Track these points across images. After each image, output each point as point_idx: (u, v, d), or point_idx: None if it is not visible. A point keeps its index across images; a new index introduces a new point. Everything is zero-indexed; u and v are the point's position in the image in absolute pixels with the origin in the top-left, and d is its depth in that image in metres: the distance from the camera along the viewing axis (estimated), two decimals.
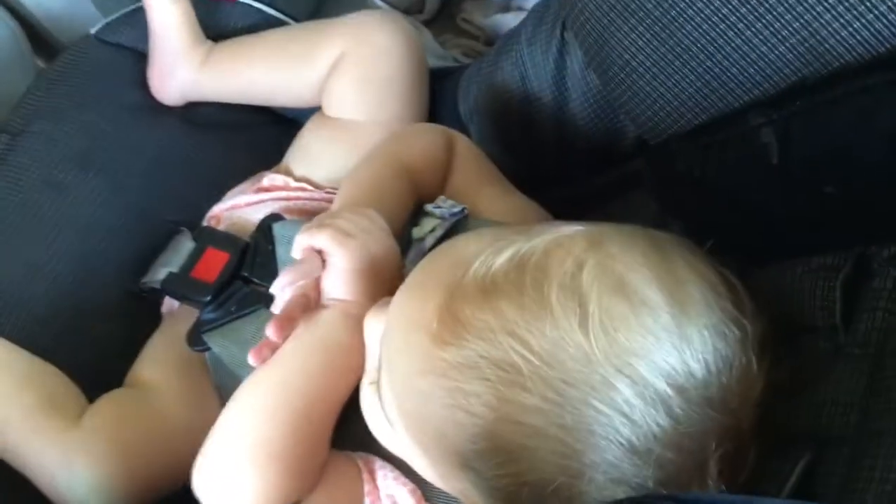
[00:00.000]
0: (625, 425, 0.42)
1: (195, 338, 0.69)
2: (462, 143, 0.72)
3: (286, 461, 0.51)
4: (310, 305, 0.56)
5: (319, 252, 0.56)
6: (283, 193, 0.78)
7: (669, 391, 0.42)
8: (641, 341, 0.42)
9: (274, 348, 0.55)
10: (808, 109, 0.46)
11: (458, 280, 0.45)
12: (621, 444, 0.42)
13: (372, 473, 0.54)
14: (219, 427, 0.54)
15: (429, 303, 0.46)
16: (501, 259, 0.45)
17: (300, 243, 0.57)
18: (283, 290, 0.56)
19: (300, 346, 0.55)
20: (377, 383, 0.50)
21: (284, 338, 0.55)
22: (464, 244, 0.49)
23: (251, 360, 0.55)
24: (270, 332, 0.54)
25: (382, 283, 0.56)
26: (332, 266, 0.56)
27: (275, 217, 0.74)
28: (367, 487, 0.54)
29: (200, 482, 0.53)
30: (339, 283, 0.55)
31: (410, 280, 0.50)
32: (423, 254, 0.62)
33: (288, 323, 0.55)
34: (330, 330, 0.55)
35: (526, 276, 0.44)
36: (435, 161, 0.69)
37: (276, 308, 0.57)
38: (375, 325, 0.52)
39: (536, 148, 0.73)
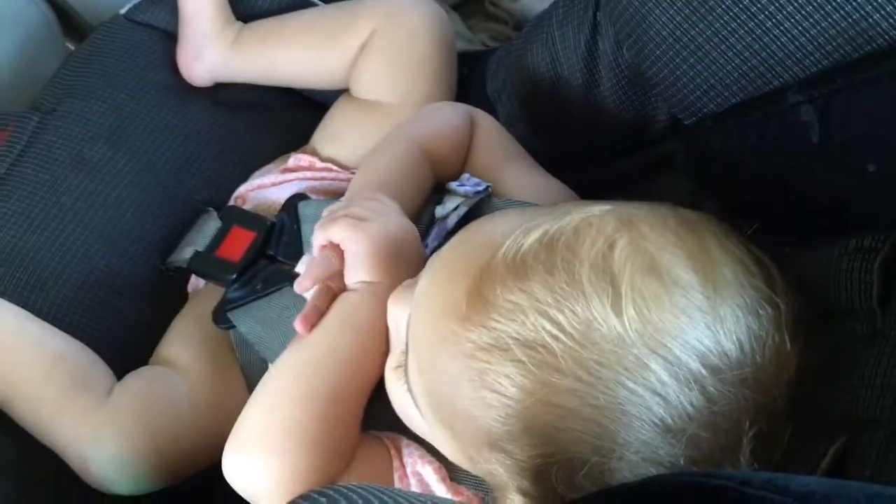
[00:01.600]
0: (659, 405, 0.42)
1: (220, 316, 0.69)
2: (484, 120, 0.71)
3: (318, 445, 0.51)
4: (334, 294, 0.56)
5: (337, 245, 0.56)
6: (309, 174, 0.78)
7: (703, 371, 0.42)
8: (675, 321, 0.42)
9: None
10: (849, 87, 0.46)
11: (486, 261, 0.45)
12: (655, 423, 0.42)
13: (399, 451, 0.54)
14: (248, 412, 0.53)
15: (457, 285, 0.46)
16: (531, 239, 0.45)
17: (316, 241, 0.56)
18: (304, 287, 0.56)
19: (328, 329, 0.55)
20: (404, 366, 0.50)
21: (311, 328, 0.55)
22: (491, 226, 0.49)
23: (297, 325, 0.55)
24: (298, 326, 0.55)
25: (406, 263, 0.56)
26: (350, 253, 0.55)
27: (300, 196, 0.74)
28: (394, 464, 0.53)
29: (231, 467, 0.52)
30: (361, 266, 0.55)
31: (437, 263, 0.49)
32: (447, 232, 0.62)
33: (315, 315, 0.55)
34: (357, 312, 0.55)
35: (556, 256, 0.44)
36: (455, 140, 0.69)
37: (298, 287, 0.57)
38: (399, 309, 0.52)
39: (565, 130, 0.72)
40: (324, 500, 0.30)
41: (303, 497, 0.32)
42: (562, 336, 0.42)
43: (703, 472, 0.34)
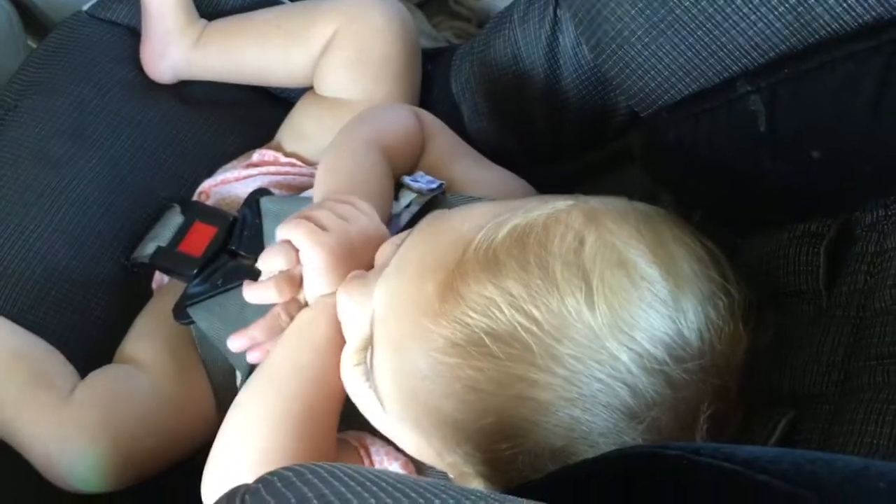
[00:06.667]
0: (627, 394, 0.43)
1: (181, 311, 0.69)
2: (429, 118, 0.72)
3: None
4: (280, 328, 0.56)
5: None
6: (273, 168, 0.78)
7: (669, 361, 0.43)
8: (643, 315, 0.43)
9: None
10: (794, 77, 0.48)
11: (458, 258, 0.45)
12: (623, 412, 0.43)
13: (367, 450, 0.54)
14: (222, 440, 0.52)
15: (428, 281, 0.46)
16: (502, 234, 0.45)
17: (279, 236, 0.56)
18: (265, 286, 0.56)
19: (290, 349, 0.54)
20: (367, 364, 0.50)
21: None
22: (458, 221, 0.49)
23: (231, 345, 0.56)
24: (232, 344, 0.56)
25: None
26: (306, 265, 0.54)
27: (263, 191, 0.74)
28: (365, 463, 0.54)
29: (211, 494, 0.51)
30: (316, 280, 0.54)
31: (402, 261, 0.49)
32: (399, 229, 0.61)
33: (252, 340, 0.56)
34: (315, 328, 0.54)
35: (528, 251, 0.44)
36: (409, 137, 0.69)
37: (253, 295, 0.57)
38: (354, 301, 0.51)
39: (529, 125, 0.73)
40: (290, 474, 0.31)
41: (271, 473, 0.32)
42: (536, 330, 0.43)
43: (659, 444, 0.35)
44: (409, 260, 0.49)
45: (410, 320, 0.46)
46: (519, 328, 0.43)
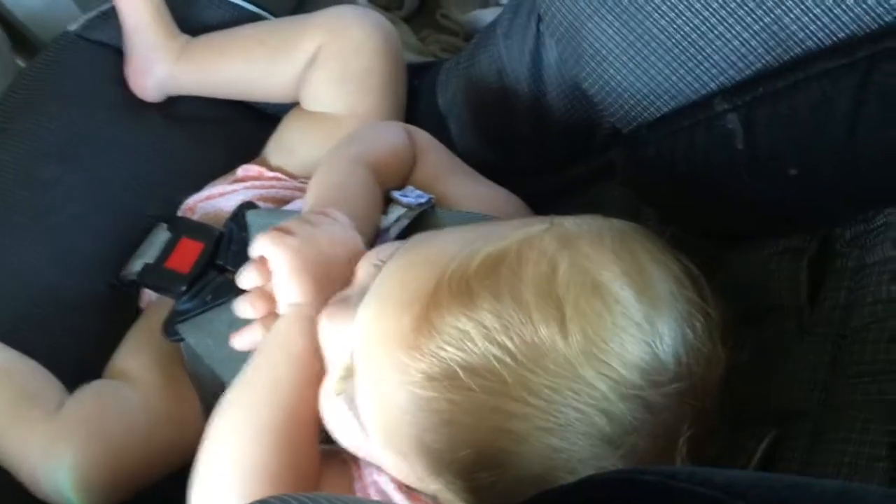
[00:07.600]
0: (605, 422, 0.43)
1: (170, 328, 0.68)
2: (421, 135, 0.72)
3: (281, 480, 0.50)
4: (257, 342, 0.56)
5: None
6: (258, 182, 0.78)
7: (645, 386, 0.43)
8: (619, 341, 0.43)
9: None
10: (770, 94, 0.48)
11: (431, 289, 0.45)
12: (601, 439, 0.43)
13: (356, 462, 0.54)
14: (204, 455, 0.52)
15: (403, 313, 0.45)
16: (475, 264, 0.45)
17: (253, 253, 0.56)
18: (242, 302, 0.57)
19: (265, 361, 0.54)
20: (349, 392, 0.49)
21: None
22: (434, 249, 0.49)
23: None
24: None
25: (340, 280, 0.54)
26: (273, 270, 0.54)
27: (248, 205, 0.73)
28: (354, 474, 0.53)
29: None
30: (285, 285, 0.54)
31: (380, 292, 0.49)
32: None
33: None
34: (289, 339, 0.53)
35: (501, 280, 0.44)
36: (398, 153, 0.69)
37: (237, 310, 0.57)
38: (335, 327, 0.51)
39: (514, 140, 0.74)
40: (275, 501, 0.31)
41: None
42: (511, 362, 0.43)
43: (635, 469, 0.35)
44: (386, 291, 0.48)
45: (387, 353, 0.46)
46: (493, 360, 0.43)
